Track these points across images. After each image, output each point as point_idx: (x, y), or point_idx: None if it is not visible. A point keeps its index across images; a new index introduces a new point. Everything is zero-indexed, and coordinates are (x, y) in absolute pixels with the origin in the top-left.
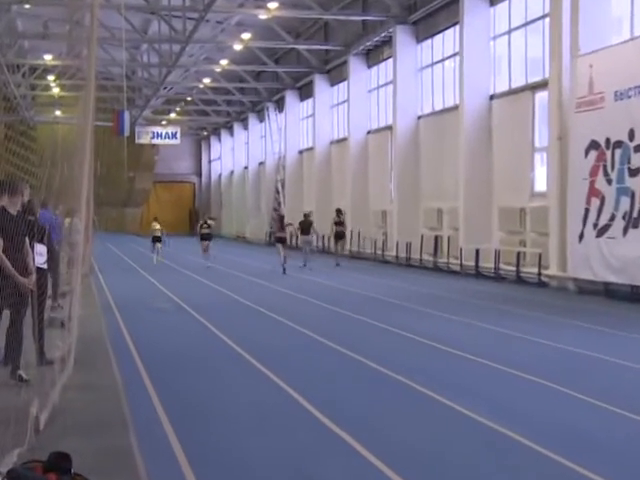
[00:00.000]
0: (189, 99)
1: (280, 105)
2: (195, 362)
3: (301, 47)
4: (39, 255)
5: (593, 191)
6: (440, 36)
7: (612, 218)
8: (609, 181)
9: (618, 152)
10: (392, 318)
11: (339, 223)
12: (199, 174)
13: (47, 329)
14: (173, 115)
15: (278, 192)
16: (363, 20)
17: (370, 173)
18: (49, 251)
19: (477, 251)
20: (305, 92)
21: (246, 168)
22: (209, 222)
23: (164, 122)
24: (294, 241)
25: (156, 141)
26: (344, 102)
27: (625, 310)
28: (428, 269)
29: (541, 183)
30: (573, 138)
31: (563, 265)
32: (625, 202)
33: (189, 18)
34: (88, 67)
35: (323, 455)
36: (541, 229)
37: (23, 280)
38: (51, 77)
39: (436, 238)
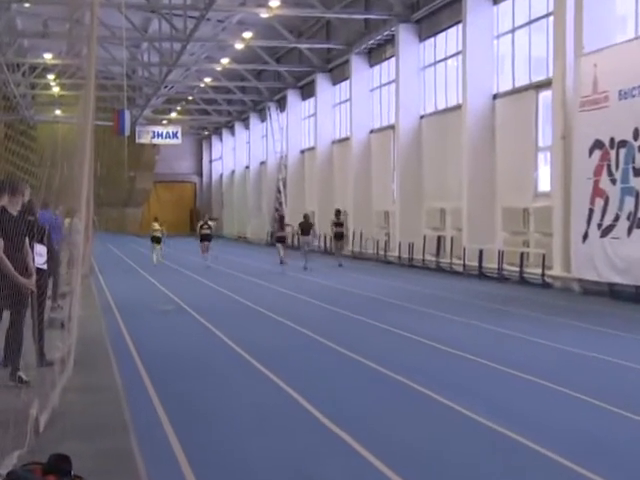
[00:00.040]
0: (190, 98)
1: (282, 104)
2: (195, 363)
3: (303, 46)
4: (39, 255)
5: (597, 191)
6: (443, 35)
7: (616, 218)
8: (613, 181)
9: (622, 152)
10: (393, 318)
11: (338, 224)
12: (200, 174)
13: (47, 330)
14: (174, 114)
15: (279, 192)
16: (365, 19)
17: (372, 173)
18: (49, 251)
19: (480, 251)
20: (307, 91)
21: (247, 168)
22: (209, 223)
23: (165, 121)
24: (295, 241)
25: (157, 141)
26: (346, 101)
27: (630, 311)
28: (431, 270)
29: (545, 183)
30: (577, 137)
31: (567, 266)
32: (629, 202)
33: (190, 17)
34: (88, 66)
35: (323, 455)
36: (545, 229)
37: (24, 281)
38: (51, 76)
39: (439, 238)
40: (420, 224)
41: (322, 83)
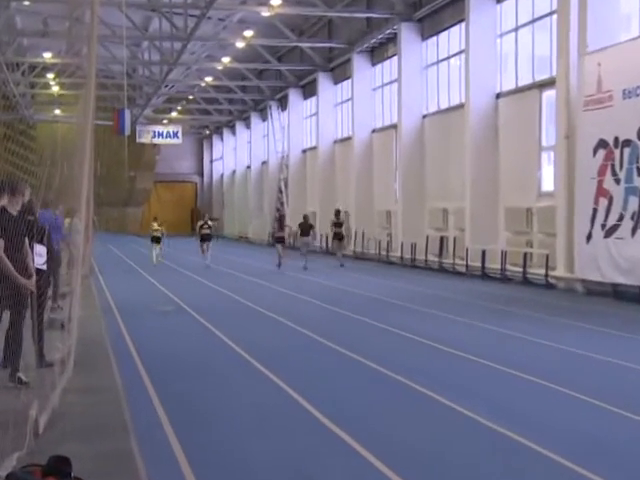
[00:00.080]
0: (191, 97)
1: (283, 103)
2: (196, 363)
3: (304, 45)
4: (38, 256)
5: (601, 191)
6: (445, 33)
7: (620, 218)
8: (617, 181)
9: (627, 151)
10: (394, 319)
11: (338, 224)
12: (201, 174)
13: (47, 331)
14: (174, 114)
15: (281, 192)
16: (367, 17)
17: (374, 173)
18: (48, 252)
19: (483, 252)
20: (308, 90)
21: (248, 168)
22: (209, 222)
23: (165, 121)
24: (295, 242)
25: (157, 140)
26: (348, 100)
27: (633, 312)
28: (433, 270)
29: (548, 183)
30: (581, 137)
31: (570, 266)
32: (634, 202)
33: (190, 15)
34: (88, 65)
35: (323, 455)
36: (548, 229)
37: (24, 281)
38: (51, 75)
39: (441, 239)
40: (422, 224)
41: (324, 82)
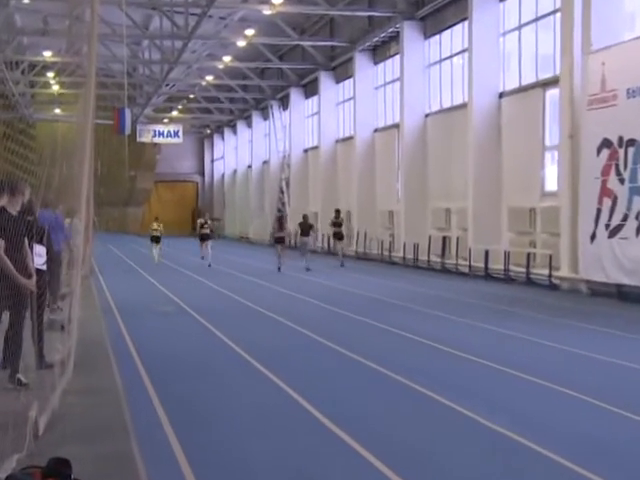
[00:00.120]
0: (191, 97)
1: (284, 103)
2: (196, 364)
3: (306, 43)
4: (38, 256)
5: (605, 191)
6: (448, 32)
7: (625, 218)
8: (621, 180)
9: (631, 151)
10: (396, 320)
11: (337, 224)
12: (202, 173)
13: (46, 332)
14: (175, 113)
15: (282, 192)
16: (369, 16)
17: (377, 172)
18: (48, 252)
19: (486, 252)
20: (310, 89)
21: (250, 167)
22: (209, 222)
23: (166, 120)
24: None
25: (158, 140)
26: (350, 100)
27: (638, 312)
28: (436, 270)
29: (552, 182)
30: (585, 136)
31: (574, 266)
32: (638, 202)
33: (191, 14)
34: (88, 64)
35: (323, 455)
36: (552, 229)
37: (25, 281)
38: (51, 74)
39: (444, 239)
40: (425, 224)
41: (325, 81)
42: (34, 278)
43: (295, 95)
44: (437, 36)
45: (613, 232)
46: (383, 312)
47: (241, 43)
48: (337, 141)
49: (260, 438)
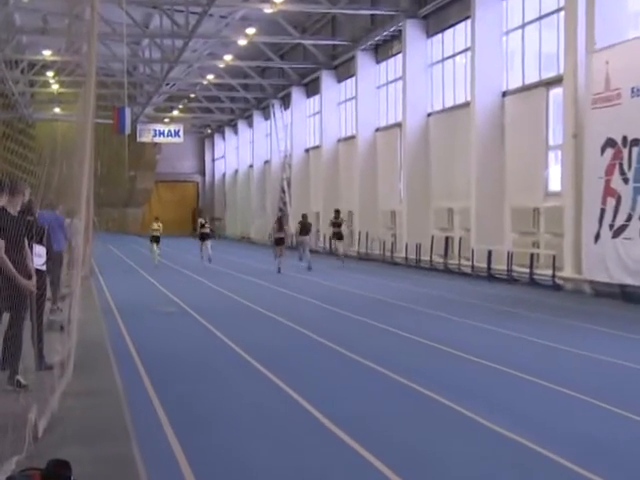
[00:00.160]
0: (192, 96)
1: (286, 102)
2: (196, 365)
3: (308, 42)
4: (38, 256)
5: (609, 190)
6: (451, 31)
7: (629, 218)
8: (625, 180)
9: (635, 150)
10: (397, 320)
11: (336, 224)
12: (202, 173)
13: (46, 333)
14: (176, 112)
15: (284, 192)
16: (372, 14)
17: (379, 172)
18: (48, 252)
19: (489, 252)
20: (312, 88)
21: (251, 167)
22: (208, 223)
23: (166, 120)
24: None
25: (158, 139)
26: (352, 99)
27: None
28: (438, 271)
29: (555, 182)
30: (588, 136)
31: (578, 267)
32: None
33: (192, 12)
34: (88, 63)
35: (323, 455)
36: (555, 230)
37: (25, 282)
38: (50, 73)
39: (447, 239)
40: (428, 224)
41: (327, 80)
42: (34, 279)
43: (296, 94)
44: (440, 35)
45: (617, 232)
46: (384, 313)
47: (242, 42)
48: (339, 141)
49: (260, 438)
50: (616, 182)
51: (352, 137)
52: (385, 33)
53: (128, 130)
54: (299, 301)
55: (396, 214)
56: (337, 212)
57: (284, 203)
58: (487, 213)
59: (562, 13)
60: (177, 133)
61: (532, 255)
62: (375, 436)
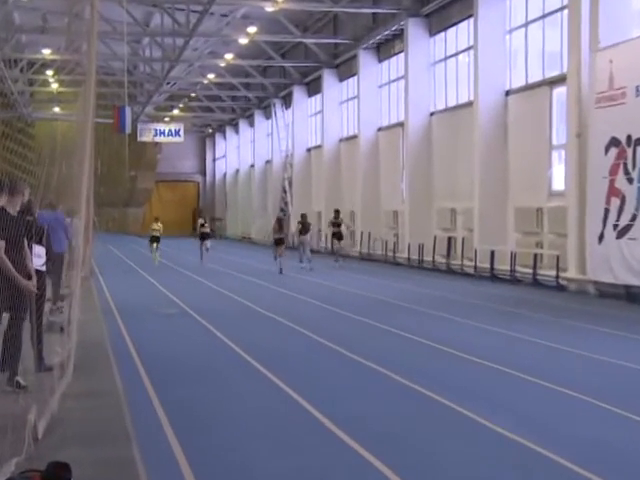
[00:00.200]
0: (193, 95)
1: (287, 101)
2: (196, 365)
3: (309, 41)
4: (37, 257)
5: (613, 190)
6: (454, 29)
7: (633, 218)
8: (630, 180)
9: (639, 150)
10: (398, 321)
11: (336, 224)
12: (203, 173)
13: (46, 334)
14: (176, 112)
15: (285, 192)
16: (374, 13)
17: (381, 172)
18: (47, 252)
19: (492, 253)
20: (313, 88)
21: (252, 167)
22: (207, 223)
23: (167, 119)
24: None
25: (159, 139)
26: (354, 98)
27: None
28: (441, 271)
29: (559, 182)
30: (592, 135)
31: (582, 267)
32: None
33: (193, 11)
34: (88, 62)
35: (323, 455)
36: (559, 230)
37: (26, 283)
38: (50, 72)
39: (449, 239)
40: (430, 224)
41: (329, 79)
42: (34, 279)
43: (298, 93)
44: (442, 33)
45: (621, 232)
46: (385, 313)
47: (243, 41)
48: (341, 140)
49: (260, 439)
50: (620, 182)
51: (354, 136)
52: (387, 32)
53: (128, 129)
54: (299, 301)
55: (398, 214)
56: (337, 212)
57: (285, 203)
58: (490, 213)
59: (566, 11)
60: (178, 132)
61: (535, 255)
62: (375, 436)
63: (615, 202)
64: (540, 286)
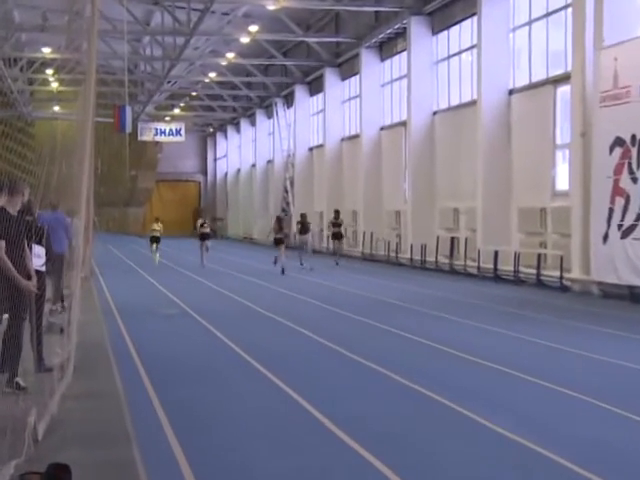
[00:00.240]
0: (194, 94)
1: (289, 100)
2: (196, 366)
3: (311, 39)
4: (37, 257)
5: (617, 190)
6: (457, 27)
7: (638, 218)
8: (634, 179)
9: None
10: (399, 321)
11: (336, 224)
12: (204, 173)
13: (46, 335)
14: (177, 111)
15: (287, 191)
16: (376, 11)
17: (383, 171)
18: (47, 253)
19: (496, 253)
20: (315, 87)
21: (253, 166)
22: (206, 223)
23: (168, 118)
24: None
25: (159, 138)
26: (356, 97)
27: None
28: (444, 272)
29: (563, 182)
30: (597, 134)
31: (586, 268)
32: None
33: (194, 9)
34: (88, 60)
35: (323, 456)
36: (563, 230)
37: (26, 283)
38: (50, 71)
39: (452, 240)
40: (433, 225)
41: (331, 78)
42: (34, 279)
43: (300, 92)
44: (445, 32)
45: (626, 232)
46: (386, 314)
47: (245, 39)
48: (343, 139)
49: (260, 439)
50: (625, 181)
51: (356, 136)
52: (390, 30)
53: (129, 129)
54: (300, 301)
55: (401, 214)
56: (337, 212)
57: (287, 203)
58: (493, 213)
59: (570, 9)
60: (179, 132)
61: (539, 256)
62: (375, 436)
63: (619, 202)
64: (544, 287)
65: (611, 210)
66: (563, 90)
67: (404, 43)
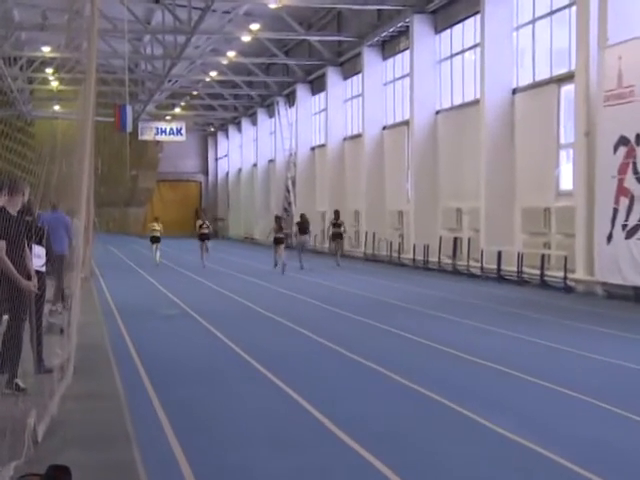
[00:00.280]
0: (195, 93)
1: (291, 99)
2: (197, 366)
3: (313, 38)
4: (37, 257)
5: (622, 190)
6: (460, 26)
7: None
8: (639, 179)
9: None
10: (400, 322)
11: (336, 224)
12: (205, 172)
13: (46, 335)
14: (178, 110)
15: (288, 191)
16: (378, 9)
17: (386, 171)
18: (47, 253)
19: (499, 253)
20: (317, 86)
21: (255, 166)
22: (207, 223)
23: (168, 117)
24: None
25: (160, 137)
26: (358, 96)
27: None
28: (447, 272)
29: (567, 181)
30: (601, 134)
31: (590, 268)
32: None
33: (194, 8)
34: (88, 60)
35: (323, 456)
36: (567, 230)
37: (27, 283)
38: (49, 70)
39: (455, 240)
40: (436, 225)
41: (333, 77)
42: (34, 280)
43: (301, 91)
44: (448, 30)
45: (630, 233)
46: (386, 314)
47: (246, 38)
48: (345, 139)
49: (260, 439)
50: (629, 181)
51: (358, 135)
52: (392, 29)
53: (129, 128)
54: (300, 302)
55: (403, 214)
56: (337, 213)
57: (289, 203)
58: (497, 213)
59: (574, 8)
60: (179, 131)
61: (543, 256)
62: (375, 436)
63: (624, 202)
64: (547, 287)
65: (615, 210)
66: (567, 89)
67: (407, 42)
